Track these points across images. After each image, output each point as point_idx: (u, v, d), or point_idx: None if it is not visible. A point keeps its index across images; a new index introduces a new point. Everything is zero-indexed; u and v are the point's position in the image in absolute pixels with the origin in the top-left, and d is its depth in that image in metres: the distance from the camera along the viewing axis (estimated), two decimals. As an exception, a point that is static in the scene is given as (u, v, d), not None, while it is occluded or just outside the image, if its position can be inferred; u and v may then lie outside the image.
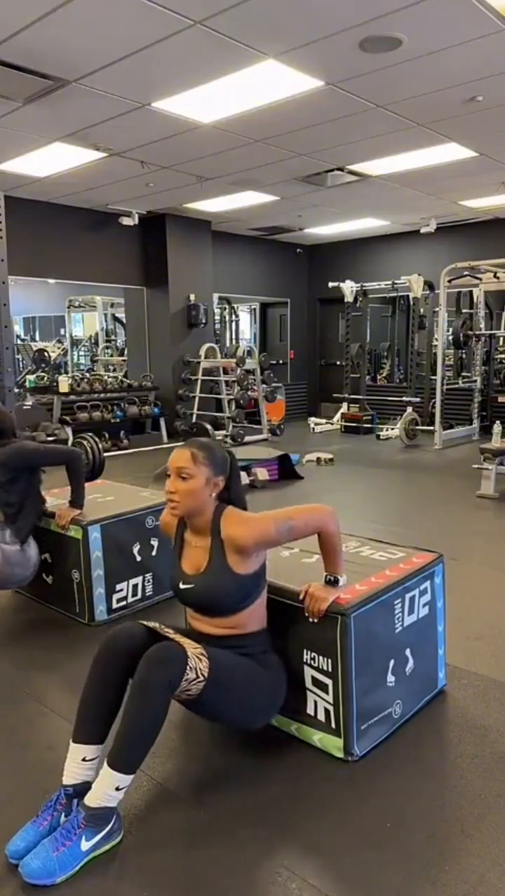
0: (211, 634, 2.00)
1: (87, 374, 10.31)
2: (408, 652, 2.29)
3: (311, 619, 2.07)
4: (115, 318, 12.46)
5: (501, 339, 9.95)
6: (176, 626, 1.98)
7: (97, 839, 1.70)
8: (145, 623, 1.91)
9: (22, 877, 1.63)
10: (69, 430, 7.65)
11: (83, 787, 1.78)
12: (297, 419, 11.13)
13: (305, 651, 2.14)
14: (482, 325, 9.42)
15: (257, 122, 5.31)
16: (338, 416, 10.06)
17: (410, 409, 8.79)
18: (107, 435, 8.18)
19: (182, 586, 2.03)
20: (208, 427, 8.36)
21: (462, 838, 1.76)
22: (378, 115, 5.19)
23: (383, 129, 5.55)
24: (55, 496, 3.40)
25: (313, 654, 2.12)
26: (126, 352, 10.73)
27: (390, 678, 2.21)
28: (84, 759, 1.80)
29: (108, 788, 1.71)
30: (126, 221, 8.29)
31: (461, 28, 3.81)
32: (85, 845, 1.68)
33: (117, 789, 1.72)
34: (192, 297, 9.42)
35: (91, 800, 1.72)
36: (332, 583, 2.08)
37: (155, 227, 9.09)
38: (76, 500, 3.19)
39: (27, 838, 1.71)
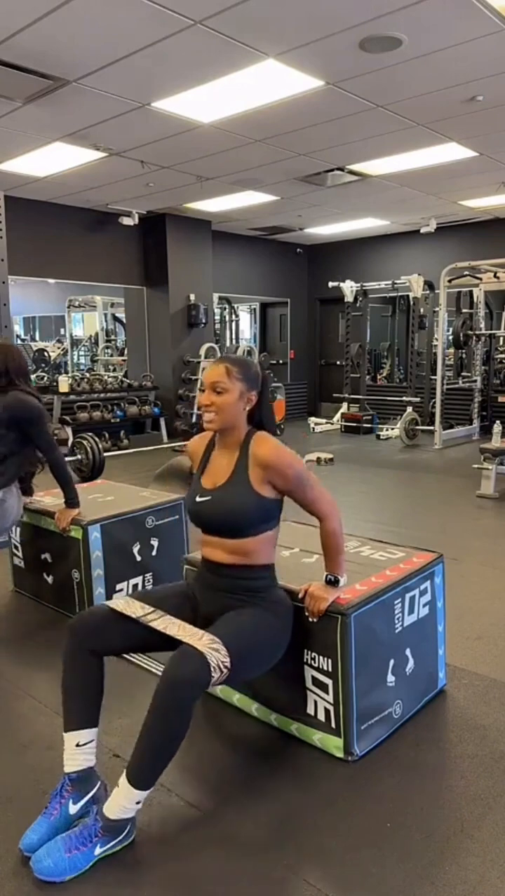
0: (221, 563, 1.99)
1: (87, 374, 10.31)
2: (408, 652, 2.29)
3: (310, 619, 2.07)
4: (115, 318, 12.46)
5: (501, 339, 9.95)
6: (159, 593, 1.91)
7: (111, 844, 1.71)
8: (113, 607, 1.88)
9: (33, 872, 1.64)
10: (69, 430, 7.65)
11: (86, 773, 1.80)
12: (297, 419, 11.13)
13: (305, 651, 2.14)
14: (482, 325, 9.42)
15: (257, 122, 5.31)
16: (338, 415, 10.06)
17: (410, 409, 8.79)
18: (107, 435, 8.18)
19: (198, 499, 2.01)
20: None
21: (462, 838, 1.76)
22: (378, 115, 5.19)
23: (383, 129, 5.55)
24: (55, 496, 3.39)
25: (313, 654, 2.12)
26: (126, 352, 10.73)
27: (390, 678, 2.21)
28: (78, 745, 1.80)
29: (127, 803, 1.71)
30: (126, 221, 8.29)
31: (461, 28, 3.81)
32: (98, 851, 1.69)
33: (137, 803, 1.72)
34: (192, 297, 9.42)
35: (110, 811, 1.71)
36: (332, 583, 2.08)
37: (155, 227, 9.09)
38: (71, 500, 3.14)
39: (39, 831, 1.72)
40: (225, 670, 1.73)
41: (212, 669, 1.68)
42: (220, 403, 1.95)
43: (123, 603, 1.92)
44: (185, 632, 1.79)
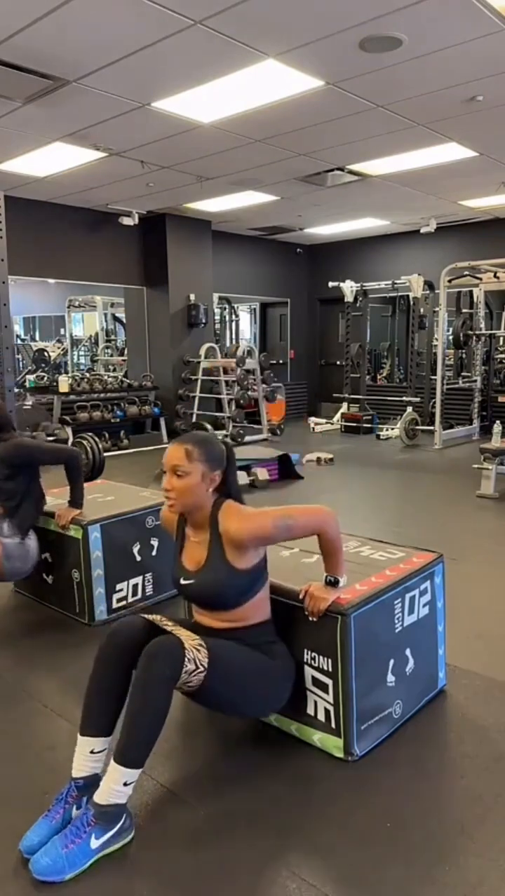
0: (215, 628, 2.01)
1: (87, 374, 10.31)
2: (408, 652, 2.29)
3: (310, 619, 2.07)
4: (116, 318, 12.46)
5: (501, 339, 9.96)
6: (177, 618, 1.99)
7: (107, 837, 1.70)
8: (146, 616, 1.92)
9: (31, 873, 1.63)
10: (69, 430, 7.65)
11: (93, 780, 1.79)
12: (297, 419, 11.13)
13: (305, 651, 2.14)
14: (482, 325, 9.42)
15: (257, 122, 5.31)
16: (338, 415, 10.06)
17: (410, 409, 8.80)
18: (107, 435, 8.18)
19: (183, 582, 2.04)
20: (208, 427, 8.37)
21: (462, 838, 1.76)
22: (378, 115, 5.19)
23: (383, 129, 5.55)
24: (55, 496, 3.40)
25: (313, 654, 2.12)
26: (126, 352, 10.73)
27: (390, 678, 2.21)
28: (92, 752, 1.81)
29: (115, 784, 1.71)
30: (126, 221, 8.29)
31: (461, 28, 3.81)
32: (95, 843, 1.68)
33: (125, 784, 1.72)
34: (192, 297, 9.42)
35: (100, 797, 1.72)
36: (332, 584, 2.08)
37: (155, 227, 9.09)
38: (76, 500, 3.19)
39: (40, 833, 1.72)
40: (200, 666, 1.77)
41: (187, 657, 1.74)
42: (180, 488, 1.93)
43: (153, 617, 1.94)
44: (182, 633, 1.82)
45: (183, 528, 2.11)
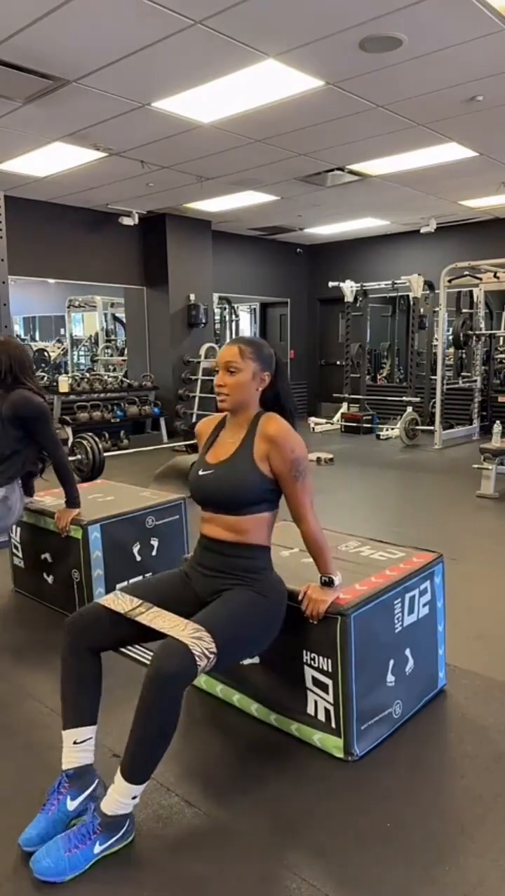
0: (218, 539, 2.00)
1: (87, 374, 10.31)
2: (408, 652, 2.29)
3: (311, 621, 2.07)
4: (116, 318, 12.46)
5: (501, 339, 9.96)
6: (139, 591, 1.95)
7: (110, 842, 1.71)
8: (105, 605, 1.90)
9: (32, 872, 1.64)
10: (69, 430, 7.65)
11: (83, 770, 1.80)
12: (296, 419, 11.12)
13: (304, 651, 2.14)
14: (482, 325, 9.42)
15: (257, 122, 5.31)
16: (338, 415, 10.06)
17: (410, 409, 8.80)
18: (107, 435, 8.18)
19: (201, 473, 2.04)
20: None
21: (462, 838, 1.76)
22: (378, 115, 5.19)
23: (383, 129, 5.55)
24: (55, 496, 3.39)
25: (313, 654, 2.12)
26: (126, 352, 10.74)
27: (390, 678, 2.21)
28: (76, 742, 1.81)
29: (123, 798, 1.71)
30: (126, 221, 8.29)
31: (461, 28, 3.81)
32: (98, 848, 1.69)
33: (133, 798, 1.73)
34: (192, 297, 9.42)
35: (107, 807, 1.71)
36: (327, 584, 2.08)
37: (155, 227, 9.09)
38: (72, 500, 3.16)
39: (38, 826, 1.73)
40: (211, 656, 1.73)
41: (196, 659, 1.70)
42: (232, 384, 2.00)
43: (112, 598, 1.93)
44: (169, 623, 1.79)
45: (217, 434, 2.13)
